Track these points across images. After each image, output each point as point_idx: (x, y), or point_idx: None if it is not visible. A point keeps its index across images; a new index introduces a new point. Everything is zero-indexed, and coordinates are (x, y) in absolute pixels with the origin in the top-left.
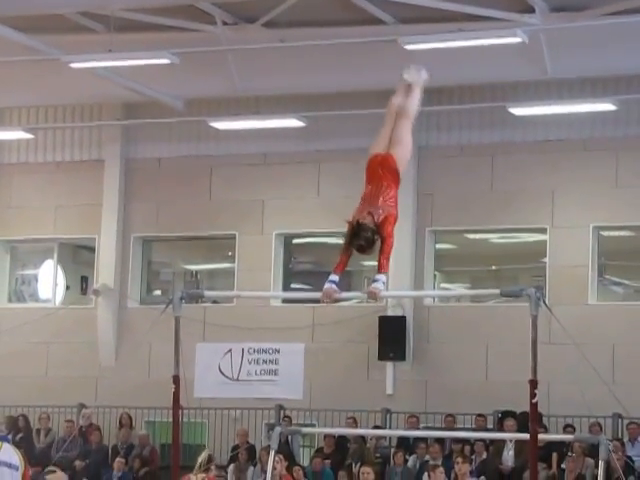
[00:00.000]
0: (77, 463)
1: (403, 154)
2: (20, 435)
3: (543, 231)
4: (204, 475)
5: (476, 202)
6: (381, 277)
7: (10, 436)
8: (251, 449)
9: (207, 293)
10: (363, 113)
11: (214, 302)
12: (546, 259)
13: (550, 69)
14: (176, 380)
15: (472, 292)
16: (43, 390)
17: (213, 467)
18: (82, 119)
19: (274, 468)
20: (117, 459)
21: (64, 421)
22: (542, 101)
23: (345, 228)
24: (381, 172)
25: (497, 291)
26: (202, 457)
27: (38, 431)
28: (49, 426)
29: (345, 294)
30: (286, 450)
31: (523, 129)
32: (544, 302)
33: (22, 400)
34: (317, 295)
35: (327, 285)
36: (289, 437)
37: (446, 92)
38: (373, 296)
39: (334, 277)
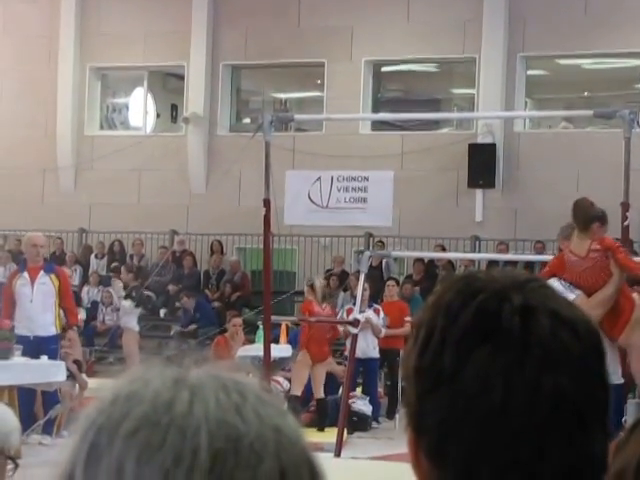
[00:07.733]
0: (170, 287)
1: None
2: (115, 260)
3: (638, 56)
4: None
5: (569, 26)
6: None
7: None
8: (343, 274)
9: (297, 117)
10: None
11: (303, 130)
12: None
13: None
14: (267, 203)
15: (564, 113)
16: (136, 217)
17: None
18: None
19: (364, 290)
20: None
21: (157, 247)
22: None
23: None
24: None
25: (590, 112)
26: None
27: (132, 257)
28: (142, 252)
29: None
30: (377, 275)
31: None
32: (638, 124)
33: (116, 226)
34: (408, 117)
35: None
36: (383, 261)
37: None
38: None
39: None
